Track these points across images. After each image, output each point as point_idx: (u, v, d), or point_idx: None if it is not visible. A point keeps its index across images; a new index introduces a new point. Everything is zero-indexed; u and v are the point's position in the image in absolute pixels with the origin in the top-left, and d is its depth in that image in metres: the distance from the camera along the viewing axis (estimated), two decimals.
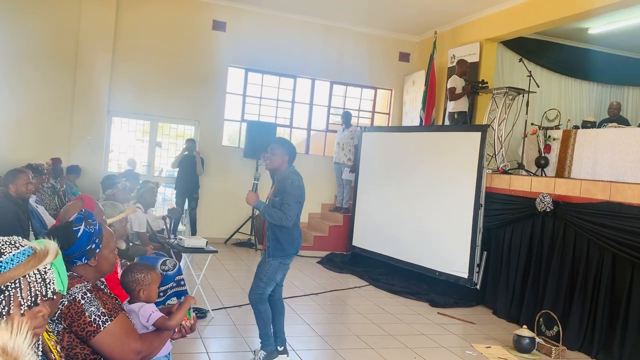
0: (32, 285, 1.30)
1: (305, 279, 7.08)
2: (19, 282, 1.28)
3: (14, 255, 1.29)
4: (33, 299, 1.29)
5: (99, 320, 1.97)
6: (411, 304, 6.28)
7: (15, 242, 1.33)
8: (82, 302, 1.97)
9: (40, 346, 1.44)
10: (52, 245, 1.38)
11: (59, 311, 1.94)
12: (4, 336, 0.97)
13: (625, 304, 4.64)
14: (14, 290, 1.27)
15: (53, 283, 1.35)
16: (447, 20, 9.12)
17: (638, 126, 6.49)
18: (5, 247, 1.31)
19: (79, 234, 2.08)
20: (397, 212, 7.48)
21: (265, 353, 4.01)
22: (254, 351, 4.16)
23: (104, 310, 1.99)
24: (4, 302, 1.25)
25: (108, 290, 2.23)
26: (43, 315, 1.32)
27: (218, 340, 4.67)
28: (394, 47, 10.35)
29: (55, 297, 1.36)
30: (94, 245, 2.10)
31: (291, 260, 4.09)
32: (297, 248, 4.11)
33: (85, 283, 2.05)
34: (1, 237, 1.34)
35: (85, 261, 2.09)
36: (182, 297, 2.66)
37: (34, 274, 1.31)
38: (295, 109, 10.11)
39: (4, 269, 1.27)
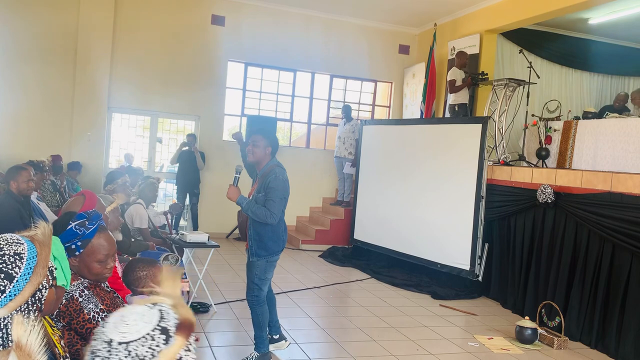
0: (42, 289, 1.32)
1: (307, 273, 7.10)
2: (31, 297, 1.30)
3: (20, 275, 1.28)
4: (38, 302, 1.31)
5: (97, 317, 1.98)
6: (413, 296, 6.30)
7: (20, 254, 1.30)
8: (80, 299, 1.98)
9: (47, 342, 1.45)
10: (45, 236, 1.37)
11: (57, 309, 1.94)
12: (19, 331, 0.98)
13: (622, 294, 4.65)
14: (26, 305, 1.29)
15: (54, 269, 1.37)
16: (447, 12, 9.08)
17: (639, 116, 6.48)
18: (14, 267, 1.28)
19: (67, 228, 2.08)
20: (398, 205, 7.49)
21: (258, 354, 3.90)
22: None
23: (102, 307, 2.00)
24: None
25: (105, 285, 2.23)
26: None
27: (221, 334, 4.69)
28: (393, 39, 10.32)
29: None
30: (73, 246, 2.07)
31: (278, 257, 3.90)
32: (282, 245, 3.91)
33: (82, 280, 2.05)
34: (6, 249, 1.31)
35: (67, 257, 2.08)
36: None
37: (43, 280, 1.32)
38: (295, 102, 10.09)
39: (17, 291, 1.27)
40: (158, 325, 1.03)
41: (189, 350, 1.06)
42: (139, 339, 1.01)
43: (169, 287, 1.12)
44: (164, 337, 1.02)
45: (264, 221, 3.71)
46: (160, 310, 1.06)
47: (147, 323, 1.03)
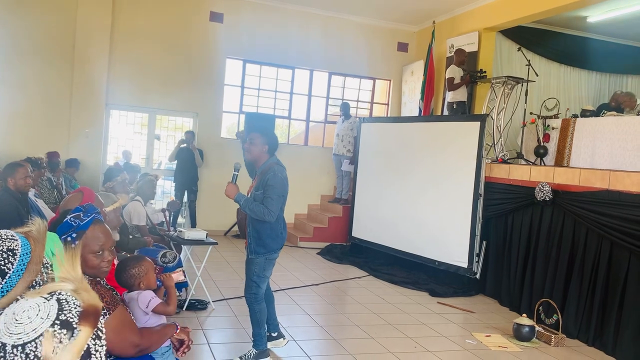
0: (35, 286, 1.30)
1: (306, 270, 7.10)
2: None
3: (13, 271, 1.27)
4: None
5: None
6: (411, 293, 6.31)
7: (13, 250, 1.29)
8: None
9: None
10: (40, 233, 1.35)
11: None
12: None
13: (620, 291, 4.66)
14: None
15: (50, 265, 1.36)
16: (446, 10, 9.08)
17: (637, 114, 6.49)
18: (7, 262, 1.27)
19: (63, 221, 2.08)
20: (396, 203, 7.49)
21: (256, 351, 3.90)
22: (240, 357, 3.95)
23: (102, 305, 1.98)
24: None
25: (105, 282, 2.22)
26: None
27: (219, 331, 4.69)
28: (392, 37, 10.31)
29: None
30: (69, 238, 2.05)
31: (277, 255, 3.91)
32: (281, 243, 3.91)
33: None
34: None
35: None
36: (163, 275, 2.66)
37: (37, 277, 1.31)
38: (293, 100, 10.08)
39: (10, 287, 1.25)
40: (57, 319, 0.91)
41: (99, 338, 0.95)
42: (37, 338, 0.88)
43: (67, 269, 0.99)
44: (65, 331, 0.90)
45: (262, 219, 3.71)
46: (59, 300, 0.93)
47: (44, 319, 0.90)
